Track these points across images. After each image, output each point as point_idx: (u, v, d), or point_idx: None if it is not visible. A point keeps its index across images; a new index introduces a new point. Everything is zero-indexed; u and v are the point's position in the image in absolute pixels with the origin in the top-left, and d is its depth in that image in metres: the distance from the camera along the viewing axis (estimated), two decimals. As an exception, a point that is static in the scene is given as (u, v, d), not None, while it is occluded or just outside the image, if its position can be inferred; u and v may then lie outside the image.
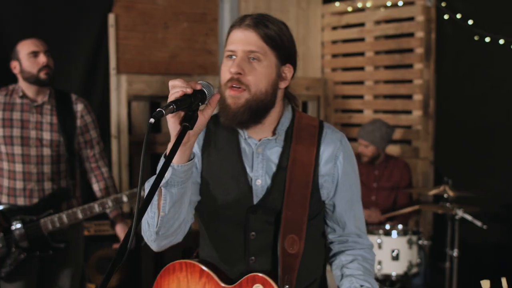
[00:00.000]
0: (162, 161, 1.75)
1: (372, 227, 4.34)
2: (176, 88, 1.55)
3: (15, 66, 3.33)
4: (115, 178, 4.65)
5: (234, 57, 1.80)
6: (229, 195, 1.88)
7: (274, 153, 1.90)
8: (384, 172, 4.77)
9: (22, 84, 3.33)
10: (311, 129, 1.93)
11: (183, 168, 1.65)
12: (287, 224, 1.84)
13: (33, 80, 3.29)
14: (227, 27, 5.32)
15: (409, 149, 5.36)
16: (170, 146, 1.56)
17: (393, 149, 5.34)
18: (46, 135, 3.32)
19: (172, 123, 1.60)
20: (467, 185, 4.52)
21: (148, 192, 1.46)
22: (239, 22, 1.82)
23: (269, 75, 1.80)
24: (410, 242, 4.15)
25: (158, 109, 1.48)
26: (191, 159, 1.67)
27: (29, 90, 3.33)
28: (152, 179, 1.64)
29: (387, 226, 4.32)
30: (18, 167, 3.30)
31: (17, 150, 3.28)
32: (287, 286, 1.83)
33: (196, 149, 1.92)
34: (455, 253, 4.17)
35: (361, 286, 1.88)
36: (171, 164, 1.63)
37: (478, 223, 4.00)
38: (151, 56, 5.01)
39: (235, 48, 1.79)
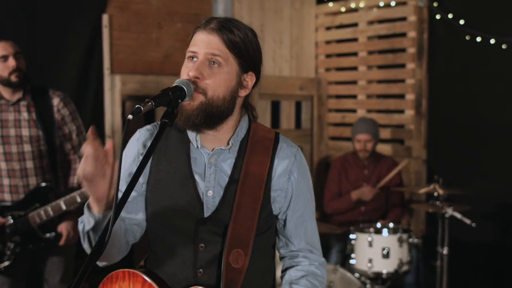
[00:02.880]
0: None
1: (364, 225, 4.38)
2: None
3: None
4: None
5: (195, 59, 1.75)
6: (178, 206, 1.83)
7: (227, 164, 1.84)
8: (374, 172, 4.80)
9: None
10: (266, 142, 1.87)
11: (105, 214, 1.65)
12: (233, 238, 1.79)
13: (5, 83, 3.37)
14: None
15: (401, 148, 5.39)
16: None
17: (385, 148, 5.37)
18: (25, 132, 3.39)
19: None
20: (459, 184, 4.56)
21: (126, 188, 1.49)
22: (204, 24, 1.77)
23: (228, 81, 1.75)
24: (400, 240, 4.18)
25: (137, 106, 1.51)
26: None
27: (4, 91, 3.41)
28: None
29: (378, 225, 4.35)
30: (2, 165, 3.39)
31: None
32: None
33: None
34: (445, 251, 4.20)
35: None
36: (92, 213, 1.65)
37: (468, 221, 4.03)
38: (145, 56, 5.04)
39: (197, 50, 1.74)
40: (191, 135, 1.85)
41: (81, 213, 1.73)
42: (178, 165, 1.84)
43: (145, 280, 1.83)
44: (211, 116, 1.74)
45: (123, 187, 1.78)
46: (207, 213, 1.81)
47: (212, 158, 1.83)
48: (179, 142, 1.87)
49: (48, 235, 3.42)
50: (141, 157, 1.87)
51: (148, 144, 1.88)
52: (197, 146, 1.84)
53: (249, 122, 1.91)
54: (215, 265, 1.82)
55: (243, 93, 1.82)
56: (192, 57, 1.76)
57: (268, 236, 1.94)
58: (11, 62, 3.34)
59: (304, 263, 1.96)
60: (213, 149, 1.83)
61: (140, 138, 1.92)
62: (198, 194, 1.82)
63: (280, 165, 1.87)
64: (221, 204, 1.81)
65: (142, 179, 1.87)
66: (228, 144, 1.84)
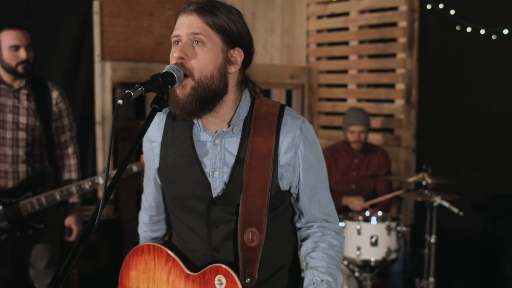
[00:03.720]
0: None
1: (352, 214, 4.41)
2: None
3: None
4: (99, 164, 4.69)
5: (179, 42, 1.76)
6: (187, 188, 1.87)
7: (232, 144, 1.85)
8: (364, 160, 4.83)
9: (0, 70, 3.39)
10: (270, 118, 1.86)
11: None
12: (245, 218, 1.82)
13: (11, 71, 3.38)
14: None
15: (391, 137, 5.43)
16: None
17: (375, 138, 5.40)
18: (23, 119, 3.41)
19: None
20: (449, 174, 4.60)
21: (116, 172, 1.51)
22: (184, 8, 1.78)
23: (214, 59, 1.74)
24: (389, 229, 4.22)
25: (127, 91, 1.52)
26: None
27: (6, 76, 3.42)
28: None
29: (367, 213, 4.38)
30: None
31: None
32: (248, 279, 1.83)
33: (157, 144, 1.95)
34: (433, 239, 4.24)
35: (322, 280, 1.84)
36: None
37: (455, 210, 4.07)
38: (136, 43, 5.02)
39: (179, 33, 1.75)
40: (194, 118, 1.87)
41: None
42: (184, 149, 1.88)
43: (169, 255, 1.91)
44: (205, 99, 1.74)
45: (149, 181, 2.04)
46: (215, 193, 1.85)
47: (217, 140, 1.85)
48: (184, 126, 1.90)
49: (36, 225, 3.42)
50: (153, 144, 1.96)
51: (156, 132, 1.96)
52: (200, 130, 1.86)
53: (252, 99, 1.90)
54: (230, 243, 1.87)
55: (232, 69, 1.80)
56: (177, 41, 1.78)
57: (283, 211, 1.97)
58: (22, 54, 3.36)
59: (319, 233, 1.96)
60: (216, 131, 1.85)
61: (147, 134, 1.98)
62: (205, 175, 1.85)
63: (286, 140, 1.86)
64: (228, 184, 1.84)
65: (156, 165, 1.96)
66: (229, 125, 1.84)
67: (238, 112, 1.85)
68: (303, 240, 2.01)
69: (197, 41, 1.74)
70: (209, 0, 1.79)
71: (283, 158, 1.86)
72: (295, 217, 2.02)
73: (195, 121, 1.87)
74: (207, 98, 1.75)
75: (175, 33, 1.78)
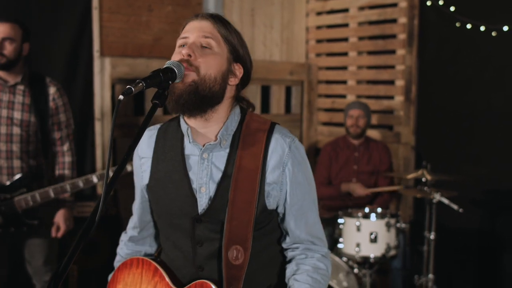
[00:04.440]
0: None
1: (352, 210, 4.41)
2: None
3: None
4: (98, 160, 4.68)
5: (185, 46, 1.76)
6: (175, 204, 1.85)
7: (220, 159, 1.82)
8: (364, 154, 4.83)
9: None
10: (259, 134, 1.83)
11: None
12: (230, 234, 1.79)
13: None
14: (211, 11, 5.33)
15: (390, 134, 5.42)
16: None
17: (374, 134, 5.40)
18: (17, 115, 3.40)
19: None
20: (448, 170, 4.59)
21: (117, 168, 1.50)
22: (196, 15, 1.81)
23: (220, 64, 1.76)
24: (388, 225, 4.21)
25: (128, 86, 1.51)
26: None
27: (2, 72, 3.41)
28: None
29: (366, 209, 4.38)
30: None
31: None
32: None
33: (146, 160, 1.94)
34: (432, 236, 4.25)
35: None
36: None
37: (455, 207, 4.07)
38: (135, 39, 5.01)
39: (188, 35, 1.77)
40: (184, 127, 1.85)
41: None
42: (174, 164, 1.86)
43: (157, 269, 1.90)
44: (202, 97, 1.73)
45: (136, 199, 2.02)
46: (201, 210, 1.82)
47: (205, 154, 1.82)
48: (175, 140, 1.88)
49: (30, 221, 3.41)
50: (142, 161, 1.95)
51: (146, 148, 1.94)
52: (190, 141, 1.84)
53: (242, 115, 1.89)
54: (214, 262, 1.83)
55: (233, 81, 1.82)
56: (183, 44, 1.78)
57: (270, 231, 1.92)
58: None
59: (304, 255, 1.92)
60: (204, 145, 1.83)
61: (139, 145, 1.96)
62: (192, 191, 1.82)
63: (274, 157, 1.83)
64: (214, 201, 1.81)
65: (145, 181, 1.94)
66: (216, 139, 1.82)
67: (226, 126, 1.83)
68: (289, 261, 1.96)
69: (205, 46, 1.75)
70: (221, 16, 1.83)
71: (270, 176, 1.82)
72: (281, 238, 1.97)
73: (184, 131, 1.84)
74: (204, 98, 1.74)
75: (183, 35, 1.79)
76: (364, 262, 4.30)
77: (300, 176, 1.87)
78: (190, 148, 1.85)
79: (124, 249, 2.12)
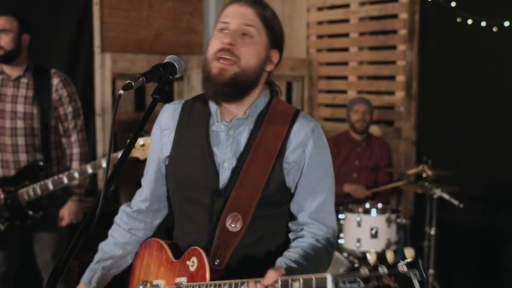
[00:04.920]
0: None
1: (352, 206, 4.41)
2: None
3: None
4: (99, 156, 4.69)
5: (226, 30, 1.77)
6: (195, 178, 1.87)
7: (244, 135, 1.86)
8: (366, 150, 4.84)
9: None
10: (285, 117, 1.88)
11: None
12: (234, 201, 1.81)
13: None
14: (212, 7, 5.33)
15: (391, 129, 5.42)
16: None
17: (375, 130, 5.40)
18: (20, 108, 3.39)
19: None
20: (449, 166, 4.59)
21: (117, 163, 1.51)
22: (237, 0, 1.82)
23: (260, 53, 1.79)
24: (389, 221, 4.22)
25: (128, 81, 1.51)
26: None
27: (5, 67, 3.42)
28: None
29: (367, 205, 4.38)
30: None
31: None
32: (217, 261, 1.81)
33: (168, 132, 1.95)
34: (433, 231, 4.25)
35: (286, 266, 1.72)
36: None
37: (455, 202, 4.07)
38: (136, 35, 5.01)
39: (230, 20, 1.78)
40: (213, 108, 1.88)
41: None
42: (198, 139, 1.88)
43: (162, 246, 1.98)
44: (242, 87, 1.78)
45: (148, 172, 2.03)
46: (222, 184, 1.84)
47: (231, 130, 1.86)
48: (200, 116, 1.91)
49: (32, 213, 3.41)
50: (164, 132, 1.96)
51: (169, 121, 1.95)
52: (217, 120, 1.87)
53: (271, 97, 1.93)
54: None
55: (269, 67, 1.85)
56: (223, 29, 1.78)
57: (284, 213, 1.93)
58: None
59: (306, 236, 1.88)
60: (231, 120, 1.86)
61: (161, 117, 1.98)
62: (215, 167, 1.85)
63: (296, 138, 1.86)
64: (233, 174, 1.83)
65: (165, 153, 1.95)
66: (245, 113, 1.85)
67: (255, 104, 1.87)
68: (291, 241, 1.93)
69: (246, 34, 1.76)
70: None
71: (291, 155, 1.85)
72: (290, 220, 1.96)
73: (212, 111, 1.88)
74: (244, 87, 1.78)
75: (224, 19, 1.79)
76: (364, 257, 4.29)
77: (317, 159, 1.89)
78: (216, 125, 1.88)
79: (124, 221, 2.12)
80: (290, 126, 1.86)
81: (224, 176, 1.84)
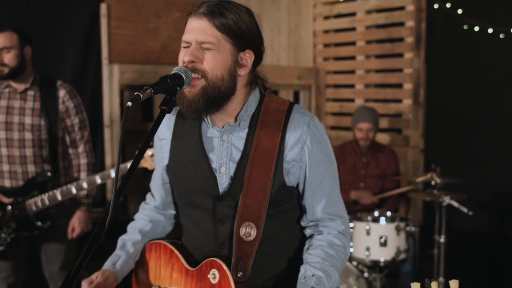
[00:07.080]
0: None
1: (361, 214, 4.40)
2: None
3: None
4: (108, 167, 4.70)
5: (187, 47, 1.78)
6: (195, 184, 1.89)
7: (239, 140, 1.87)
8: (372, 159, 4.83)
9: None
10: (278, 114, 1.87)
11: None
12: (244, 211, 1.82)
13: None
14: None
15: (399, 137, 5.41)
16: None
17: (383, 138, 5.39)
18: (28, 120, 3.42)
19: None
20: (457, 173, 4.57)
21: (126, 174, 1.51)
22: (195, 9, 1.79)
23: (224, 62, 1.76)
24: (398, 229, 4.20)
25: (136, 93, 1.53)
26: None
27: (12, 80, 3.44)
28: None
29: (376, 213, 4.37)
30: (3, 151, 3.43)
31: (2, 134, 3.41)
32: (240, 273, 1.82)
33: (166, 141, 1.98)
34: (442, 239, 4.23)
35: (313, 275, 1.79)
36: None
37: (464, 210, 4.05)
38: (143, 46, 5.04)
39: (189, 39, 1.77)
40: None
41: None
42: (193, 146, 1.90)
43: (172, 251, 1.99)
44: (213, 99, 1.77)
45: (155, 183, 2.08)
46: (221, 189, 1.87)
47: (225, 135, 1.87)
48: (193, 123, 1.92)
49: (41, 224, 3.42)
50: (162, 142, 2.00)
51: (165, 130, 1.98)
52: (209, 126, 1.88)
53: (261, 96, 1.92)
54: (233, 238, 1.87)
55: (242, 71, 1.82)
56: (184, 46, 1.79)
57: (290, 209, 1.95)
58: None
59: (322, 232, 1.93)
60: (223, 126, 1.87)
61: (157, 132, 2.00)
62: (212, 171, 1.87)
63: (292, 136, 1.86)
64: (233, 179, 1.85)
65: (164, 162, 1.99)
66: (236, 120, 1.86)
67: (245, 108, 1.87)
68: (307, 239, 1.98)
69: (205, 48, 1.76)
70: (220, 2, 1.79)
71: (289, 154, 1.86)
72: (301, 216, 1.99)
73: (205, 118, 1.88)
74: (216, 99, 1.78)
75: (184, 37, 1.79)
76: (374, 266, 4.28)
77: (319, 154, 1.90)
78: (209, 131, 1.90)
79: (144, 213, 2.18)
80: (285, 124, 1.87)
81: (222, 181, 1.87)
